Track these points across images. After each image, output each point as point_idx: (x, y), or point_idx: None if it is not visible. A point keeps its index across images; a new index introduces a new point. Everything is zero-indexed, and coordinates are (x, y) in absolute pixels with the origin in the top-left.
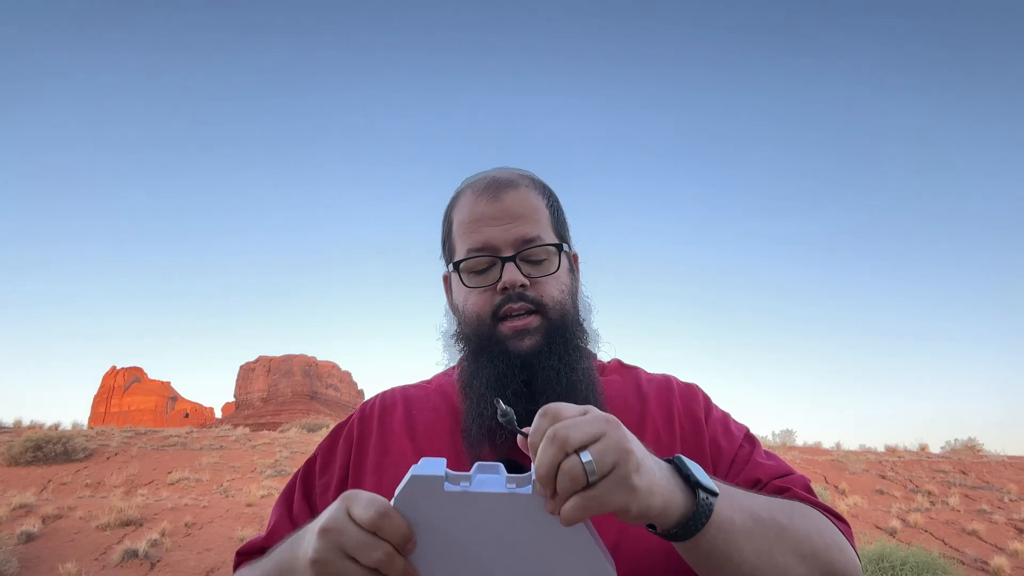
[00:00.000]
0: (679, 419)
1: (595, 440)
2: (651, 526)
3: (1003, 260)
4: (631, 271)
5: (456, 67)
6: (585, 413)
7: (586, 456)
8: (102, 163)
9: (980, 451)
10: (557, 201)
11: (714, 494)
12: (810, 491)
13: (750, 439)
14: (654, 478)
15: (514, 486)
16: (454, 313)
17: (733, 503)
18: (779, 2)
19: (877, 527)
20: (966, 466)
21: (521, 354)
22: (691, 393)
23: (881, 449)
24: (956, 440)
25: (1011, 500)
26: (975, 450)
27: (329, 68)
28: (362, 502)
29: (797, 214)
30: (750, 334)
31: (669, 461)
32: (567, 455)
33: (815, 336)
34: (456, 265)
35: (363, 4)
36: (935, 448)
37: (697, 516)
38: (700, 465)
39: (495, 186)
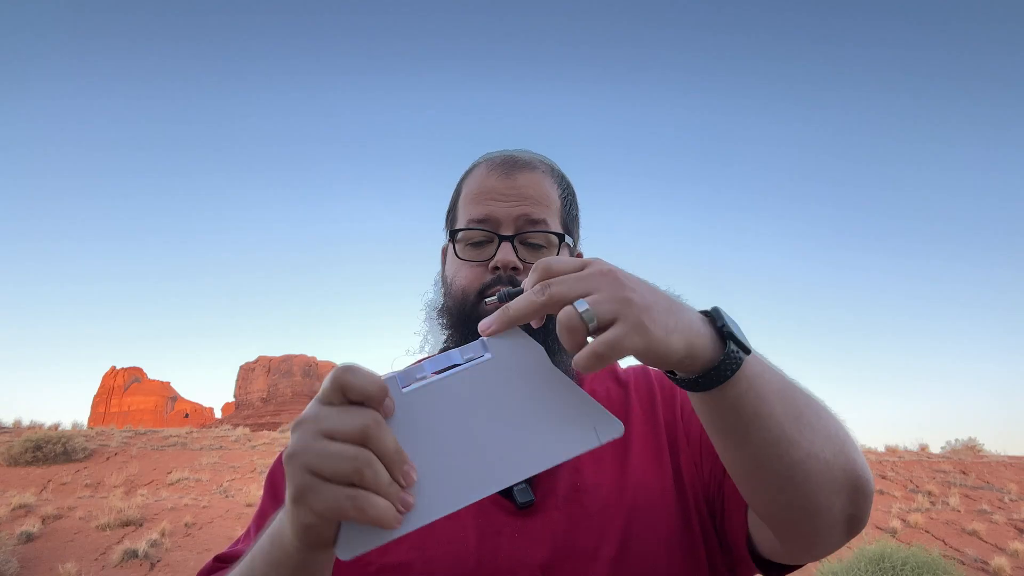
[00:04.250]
0: (659, 400)
1: (589, 293)
2: (671, 373)
3: (1004, 260)
4: (627, 267)
5: (456, 66)
6: (582, 268)
7: (582, 305)
8: (102, 163)
9: (980, 451)
10: (572, 196)
11: (746, 351)
12: None
13: None
14: (672, 322)
15: (471, 356)
16: (443, 285)
17: (766, 364)
18: (780, 2)
19: (877, 527)
20: (966, 466)
21: None
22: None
23: (881, 449)
24: (956, 440)
25: (1011, 500)
26: (975, 450)
27: (330, 67)
28: (324, 381)
29: (797, 213)
30: (749, 333)
31: (706, 312)
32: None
33: (815, 336)
34: (454, 235)
35: (364, 3)
36: (935, 448)
37: (723, 366)
38: (675, 441)
39: (511, 163)
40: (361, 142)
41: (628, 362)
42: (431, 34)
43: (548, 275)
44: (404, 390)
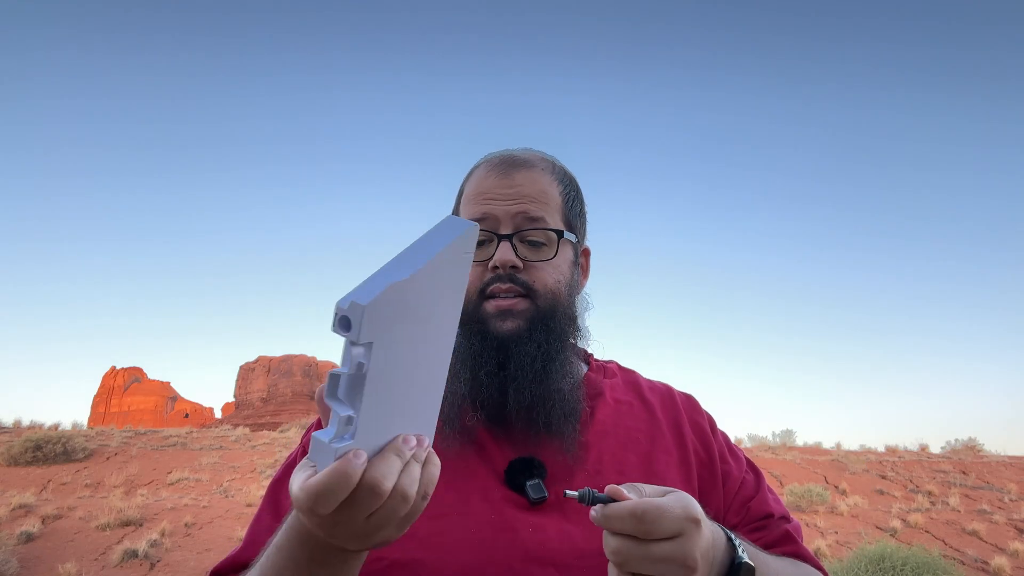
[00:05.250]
0: (688, 430)
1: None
2: None
3: (1004, 259)
4: (628, 267)
5: (455, 65)
6: (677, 535)
7: None
8: (101, 162)
9: (980, 451)
10: (576, 192)
11: (752, 573)
12: (802, 537)
13: (752, 466)
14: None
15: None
16: None
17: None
18: (782, 1)
19: (877, 527)
20: (966, 466)
21: (500, 335)
22: (693, 404)
23: (881, 449)
24: (956, 440)
25: (1011, 500)
26: (975, 450)
27: (329, 65)
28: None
29: (797, 212)
30: (750, 333)
31: (727, 536)
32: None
33: (815, 336)
34: None
35: (365, 1)
36: (935, 448)
37: None
38: (711, 479)
39: (509, 162)
40: (362, 141)
41: (652, 375)
42: (431, 34)
43: (644, 533)
44: (336, 445)
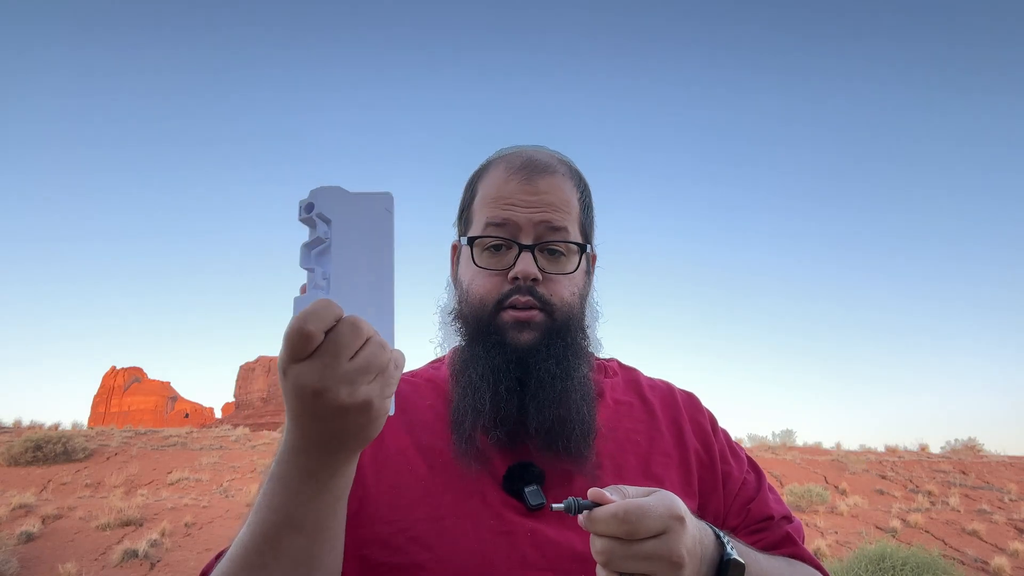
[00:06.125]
0: (688, 431)
1: None
2: None
3: (1004, 258)
4: (628, 266)
5: (455, 64)
6: (662, 533)
7: None
8: (101, 162)
9: (980, 451)
10: (590, 196)
11: (742, 570)
12: (803, 538)
13: (754, 466)
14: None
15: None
16: (455, 287)
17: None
18: (787, 0)
19: (877, 527)
20: (966, 466)
21: (518, 348)
22: (694, 403)
23: (881, 449)
24: (956, 440)
25: (1011, 500)
26: (975, 450)
27: (329, 63)
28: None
29: (796, 211)
30: (750, 333)
31: (716, 534)
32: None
33: (815, 336)
34: (471, 240)
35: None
36: (935, 448)
37: None
38: (711, 480)
39: (531, 167)
40: (362, 140)
41: (651, 374)
42: (432, 33)
43: (628, 533)
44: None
